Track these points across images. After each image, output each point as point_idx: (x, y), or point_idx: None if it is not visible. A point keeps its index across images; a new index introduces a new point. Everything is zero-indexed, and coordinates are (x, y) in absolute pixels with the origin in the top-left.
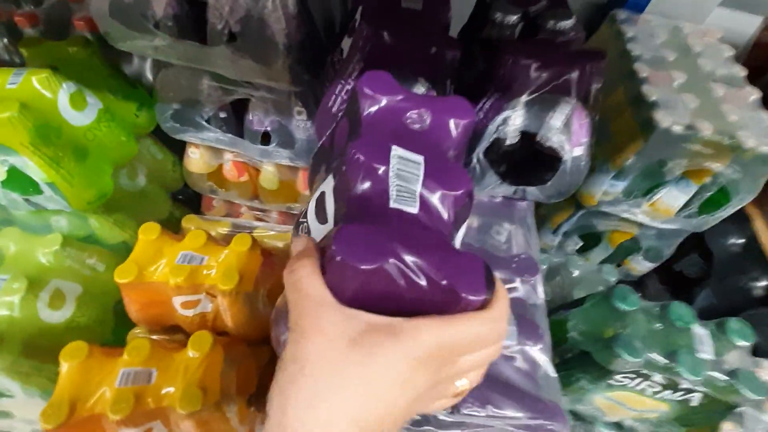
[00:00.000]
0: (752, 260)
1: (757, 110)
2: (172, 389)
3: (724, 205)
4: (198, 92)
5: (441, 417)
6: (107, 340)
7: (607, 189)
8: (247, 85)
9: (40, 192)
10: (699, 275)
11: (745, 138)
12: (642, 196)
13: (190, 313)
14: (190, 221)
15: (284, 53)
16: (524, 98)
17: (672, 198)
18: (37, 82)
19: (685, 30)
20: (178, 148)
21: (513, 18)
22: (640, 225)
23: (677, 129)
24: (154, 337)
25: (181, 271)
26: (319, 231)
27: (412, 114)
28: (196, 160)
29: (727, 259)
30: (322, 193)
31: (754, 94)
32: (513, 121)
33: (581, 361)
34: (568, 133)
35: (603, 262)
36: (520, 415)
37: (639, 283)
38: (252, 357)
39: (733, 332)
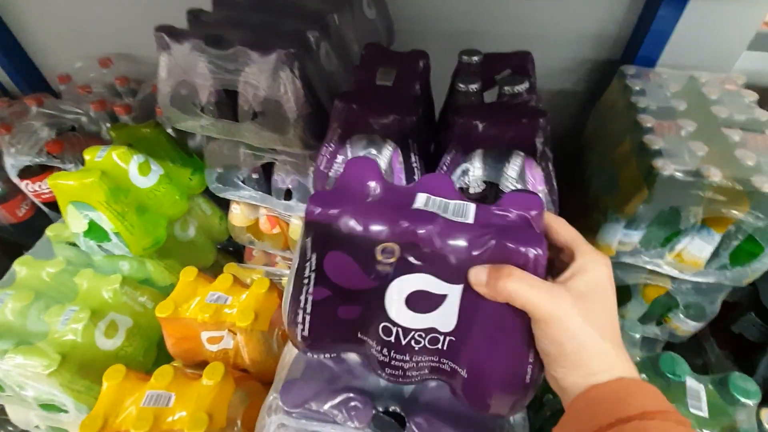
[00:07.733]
0: None
1: None
2: (184, 413)
3: (759, 255)
4: (236, 159)
5: None
6: (149, 371)
7: (621, 239)
8: (272, 151)
9: (109, 240)
10: (760, 338)
11: (762, 182)
12: (661, 246)
13: (215, 348)
14: (230, 268)
15: (294, 125)
16: (478, 153)
17: (696, 248)
18: (115, 155)
19: (701, 79)
20: (225, 206)
21: (473, 86)
22: (673, 279)
23: (680, 176)
24: (188, 370)
25: (208, 308)
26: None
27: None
28: (238, 214)
29: None
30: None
31: None
32: (473, 172)
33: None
34: (524, 182)
35: (641, 319)
36: None
37: (696, 348)
38: (264, 395)
39: (736, 389)
